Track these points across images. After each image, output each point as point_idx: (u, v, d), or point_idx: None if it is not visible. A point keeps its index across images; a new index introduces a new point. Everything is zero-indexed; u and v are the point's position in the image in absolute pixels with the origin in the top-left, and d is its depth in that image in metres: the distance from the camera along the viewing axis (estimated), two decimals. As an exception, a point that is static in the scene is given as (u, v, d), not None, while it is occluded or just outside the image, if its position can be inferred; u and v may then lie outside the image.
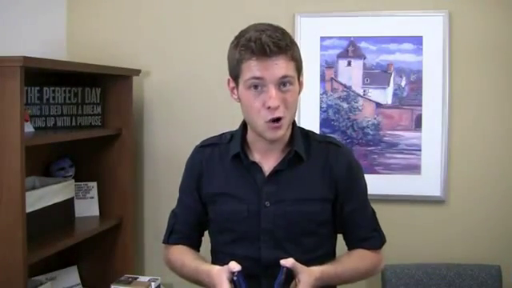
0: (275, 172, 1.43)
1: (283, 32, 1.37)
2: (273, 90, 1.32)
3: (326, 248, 1.51)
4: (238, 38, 1.38)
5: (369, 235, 1.51)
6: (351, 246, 1.52)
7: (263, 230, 1.42)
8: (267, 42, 1.30)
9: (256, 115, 1.36)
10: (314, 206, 1.43)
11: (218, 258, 1.50)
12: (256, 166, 1.44)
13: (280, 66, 1.32)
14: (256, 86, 1.33)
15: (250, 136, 1.47)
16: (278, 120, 1.35)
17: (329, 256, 1.52)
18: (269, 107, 1.32)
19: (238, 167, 1.46)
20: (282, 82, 1.34)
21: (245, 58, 1.33)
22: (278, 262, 1.39)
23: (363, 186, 1.53)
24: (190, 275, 1.45)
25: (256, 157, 1.46)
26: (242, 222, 1.43)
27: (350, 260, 1.46)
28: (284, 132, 1.39)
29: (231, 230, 1.45)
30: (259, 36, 1.32)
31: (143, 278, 2.29)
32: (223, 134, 1.56)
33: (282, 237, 1.42)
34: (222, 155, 1.49)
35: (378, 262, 1.52)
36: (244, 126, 1.49)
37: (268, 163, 1.45)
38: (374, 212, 1.54)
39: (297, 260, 1.41)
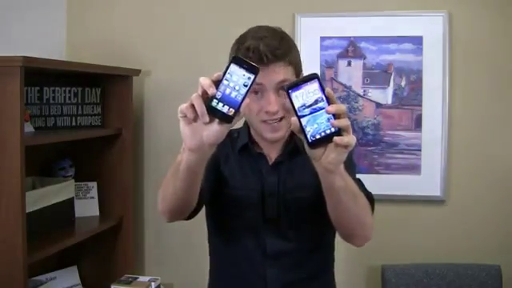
0: (277, 163, 1.47)
1: (282, 37, 1.38)
2: (272, 96, 1.33)
3: (327, 238, 1.53)
4: (238, 43, 1.40)
5: None
6: None
7: (268, 218, 1.44)
8: (265, 52, 1.31)
9: (254, 117, 1.38)
10: (314, 193, 1.41)
11: (224, 248, 1.51)
12: (262, 157, 1.48)
13: (277, 72, 1.34)
14: (256, 92, 1.35)
15: (254, 132, 1.50)
16: (277, 121, 1.36)
17: (329, 246, 1.55)
18: (267, 112, 1.34)
19: (246, 158, 1.49)
20: (281, 87, 1.35)
21: None
22: (283, 252, 1.44)
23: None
24: (171, 170, 1.27)
25: (261, 149, 1.50)
26: (251, 209, 1.45)
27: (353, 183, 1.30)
28: (283, 134, 1.40)
29: (239, 216, 1.46)
30: (257, 45, 1.32)
31: (143, 278, 2.29)
32: (230, 130, 1.58)
33: (286, 226, 1.45)
34: (233, 146, 1.51)
35: (370, 214, 1.36)
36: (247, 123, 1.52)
37: (271, 155, 1.49)
38: (359, 180, 1.45)
39: (299, 249, 1.45)
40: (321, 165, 1.09)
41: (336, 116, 1.03)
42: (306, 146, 1.06)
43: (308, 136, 1.04)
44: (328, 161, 1.07)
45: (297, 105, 1.04)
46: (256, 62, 1.30)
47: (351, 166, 1.45)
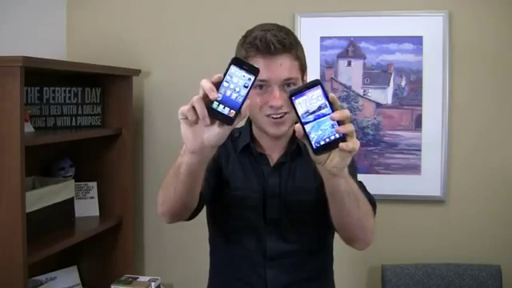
0: (279, 164, 1.46)
1: (288, 31, 1.40)
2: (277, 91, 1.34)
3: (327, 239, 1.53)
4: (244, 36, 1.41)
5: None
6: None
7: (269, 220, 1.45)
8: (272, 40, 1.33)
9: (257, 111, 1.38)
10: (314, 196, 1.44)
11: (224, 249, 1.52)
12: (264, 158, 1.48)
13: (284, 68, 1.34)
14: (261, 86, 1.35)
15: (256, 132, 1.50)
16: (281, 116, 1.36)
17: (329, 247, 1.55)
18: (271, 106, 1.35)
19: (248, 158, 1.49)
20: (287, 83, 1.36)
21: (250, 55, 1.35)
22: (283, 253, 1.44)
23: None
24: (171, 172, 1.25)
25: (263, 150, 1.49)
26: (252, 210, 1.45)
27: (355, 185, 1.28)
28: (287, 129, 1.41)
29: (240, 217, 1.47)
30: (264, 35, 1.34)
31: (143, 278, 2.29)
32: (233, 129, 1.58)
33: (286, 227, 1.45)
34: (235, 146, 1.51)
35: (372, 219, 1.34)
36: (250, 122, 1.52)
37: (273, 155, 1.48)
38: (360, 182, 1.44)
39: (299, 251, 1.45)
40: (325, 169, 1.09)
41: (340, 122, 1.02)
42: (310, 151, 1.06)
43: (312, 142, 1.04)
44: (333, 165, 1.07)
45: (300, 111, 1.04)
46: (263, 52, 1.33)
47: (353, 168, 1.45)
